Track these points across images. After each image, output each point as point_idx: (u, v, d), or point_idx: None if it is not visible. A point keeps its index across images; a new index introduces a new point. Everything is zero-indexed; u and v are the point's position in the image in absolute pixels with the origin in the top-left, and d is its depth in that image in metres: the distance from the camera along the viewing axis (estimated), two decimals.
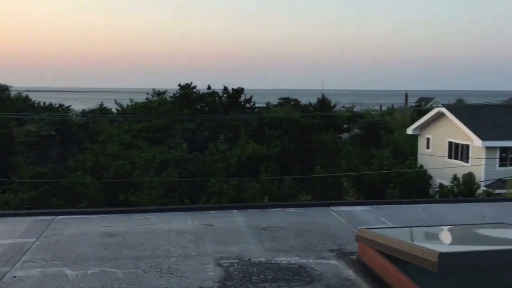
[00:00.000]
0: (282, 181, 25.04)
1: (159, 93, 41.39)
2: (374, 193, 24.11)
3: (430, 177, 28.03)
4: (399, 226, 4.55)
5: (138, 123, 34.33)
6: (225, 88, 41.02)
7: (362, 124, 40.64)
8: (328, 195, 24.13)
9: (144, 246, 4.33)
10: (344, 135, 39.42)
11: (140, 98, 41.42)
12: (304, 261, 3.95)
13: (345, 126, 41.01)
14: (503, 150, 27.77)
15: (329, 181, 25.45)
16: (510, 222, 5.09)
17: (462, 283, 3.38)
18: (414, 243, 3.12)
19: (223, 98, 40.94)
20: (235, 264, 3.87)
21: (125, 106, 40.09)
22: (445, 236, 3.83)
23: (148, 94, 41.46)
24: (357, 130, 40.70)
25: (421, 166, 25.57)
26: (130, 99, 40.87)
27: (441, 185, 27.70)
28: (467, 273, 3.30)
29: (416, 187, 25.76)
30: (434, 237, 3.76)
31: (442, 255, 2.70)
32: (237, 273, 3.68)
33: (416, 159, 31.63)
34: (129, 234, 4.69)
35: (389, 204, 6.20)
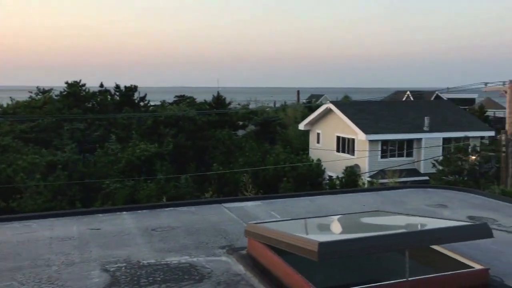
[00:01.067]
0: (179, 180, 24.74)
1: (44, 91, 38.68)
2: (270, 187, 24.78)
3: (323, 171, 29.55)
4: (286, 219, 4.71)
5: (21, 124, 31.82)
6: (117, 86, 39.50)
7: (257, 120, 41.54)
8: (226, 191, 24.33)
9: (21, 256, 4.02)
10: (240, 132, 39.98)
11: (23, 97, 38.43)
12: (195, 259, 3.93)
13: (241, 123, 41.61)
14: (384, 143, 30.11)
15: (227, 178, 25.66)
16: (386, 209, 5.54)
17: (342, 270, 3.60)
18: (297, 234, 3.25)
19: (115, 96, 39.41)
20: (123, 268, 3.75)
21: (5, 105, 36.92)
22: (327, 226, 4.04)
23: (32, 92, 38.59)
24: (252, 127, 41.50)
25: (318, 160, 26.78)
26: (10, 97, 37.77)
27: (330, 177, 29.26)
28: (347, 259, 3.52)
29: (309, 180, 26.90)
30: (317, 228, 3.96)
31: (321, 244, 2.84)
32: (124, 277, 3.56)
33: (307, 153, 33.07)
34: (5, 244, 4.33)
35: (279, 198, 6.40)
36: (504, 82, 20.63)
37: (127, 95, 39.11)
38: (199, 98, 48.82)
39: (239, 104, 55.47)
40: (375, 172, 28.79)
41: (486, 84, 22.44)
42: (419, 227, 3.64)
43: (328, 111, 32.97)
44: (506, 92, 21.72)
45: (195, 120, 33.61)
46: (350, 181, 24.97)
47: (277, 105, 72.46)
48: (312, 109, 41.20)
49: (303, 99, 79.63)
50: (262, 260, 3.61)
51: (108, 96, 39.28)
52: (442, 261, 3.55)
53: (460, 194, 6.28)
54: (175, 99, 49.64)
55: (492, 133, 31.17)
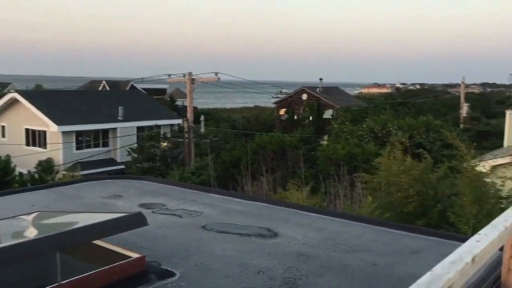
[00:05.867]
0: None
1: None
2: None
3: (13, 168, 26.49)
4: None
5: None
6: None
7: None
8: None
9: None
10: None
11: None
12: None
13: None
14: (79, 134, 29.15)
15: None
16: (58, 206, 5.20)
17: None
18: None
19: None
20: None
21: None
22: None
23: None
24: None
25: (7, 156, 23.70)
26: None
27: (20, 174, 26.60)
28: None
29: None
30: None
31: None
32: None
33: None
34: None
35: None
36: (184, 74, 22.72)
37: None
38: None
39: None
40: (72, 164, 27.65)
41: (169, 75, 24.29)
42: (74, 225, 3.49)
43: (14, 102, 29.79)
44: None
45: None
46: (46, 175, 23.24)
47: None
48: None
49: None
50: None
51: None
52: (105, 255, 3.50)
53: (135, 182, 6.45)
54: None
55: (180, 121, 34.05)
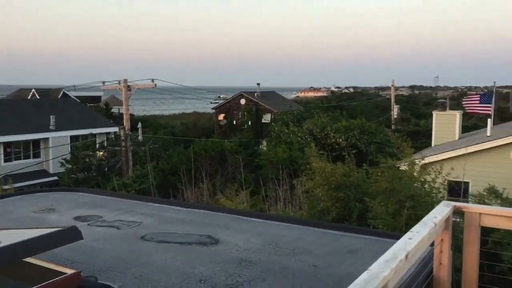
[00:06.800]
0: None
1: None
2: None
3: None
4: None
5: None
6: None
7: None
8: None
9: None
10: None
11: None
12: None
13: None
14: (7, 145, 27.63)
15: None
16: None
17: None
18: None
19: None
20: None
21: None
22: None
23: None
24: None
25: None
26: None
27: None
28: None
29: None
30: None
31: None
32: None
33: None
34: None
35: None
36: (119, 81, 22.15)
37: None
38: None
39: None
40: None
41: (104, 82, 23.55)
42: (3, 243, 3.28)
43: None
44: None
45: None
46: None
47: None
48: None
49: None
50: None
51: None
52: (37, 273, 3.32)
53: (69, 194, 6.19)
54: None
55: (116, 129, 33.14)
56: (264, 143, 33.16)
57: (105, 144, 27.28)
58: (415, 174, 9.36)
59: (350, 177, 10.05)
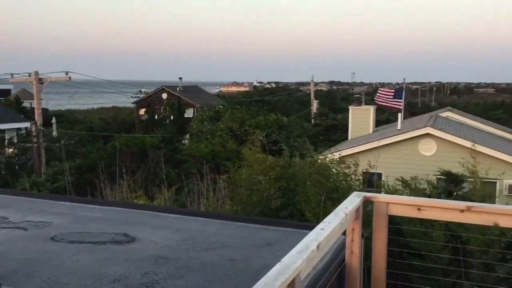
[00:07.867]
0: None
1: None
2: None
3: None
4: None
5: None
6: None
7: None
8: None
9: None
10: None
11: None
12: None
13: None
14: None
15: None
16: None
17: None
18: None
19: None
20: None
21: None
22: None
23: None
24: None
25: None
26: None
27: None
28: None
29: None
30: None
31: None
32: None
33: None
34: None
35: None
36: (30, 73, 20.82)
37: None
38: None
39: None
40: None
41: (12, 75, 22.01)
42: None
43: None
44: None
45: None
46: None
47: None
48: None
49: None
50: None
51: None
52: None
53: None
54: None
55: (28, 124, 31.23)
56: (187, 138, 32.85)
57: (15, 140, 25.62)
58: (337, 168, 9.69)
59: (289, 170, 10.23)
